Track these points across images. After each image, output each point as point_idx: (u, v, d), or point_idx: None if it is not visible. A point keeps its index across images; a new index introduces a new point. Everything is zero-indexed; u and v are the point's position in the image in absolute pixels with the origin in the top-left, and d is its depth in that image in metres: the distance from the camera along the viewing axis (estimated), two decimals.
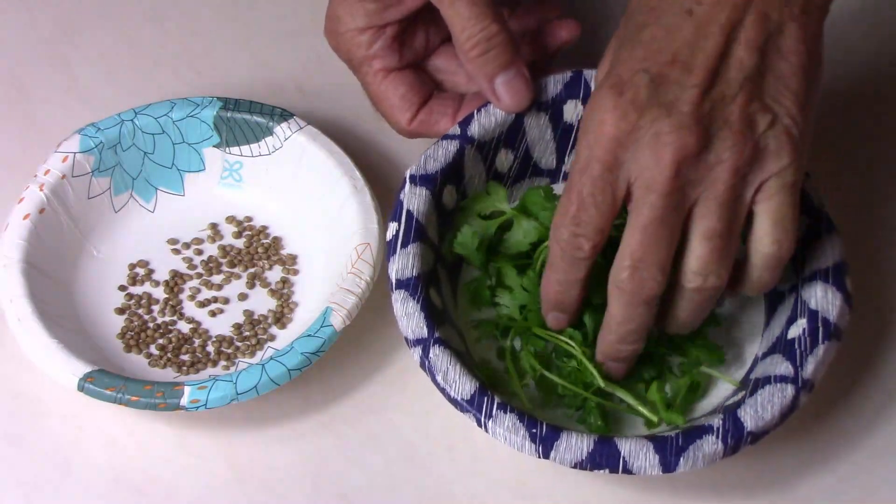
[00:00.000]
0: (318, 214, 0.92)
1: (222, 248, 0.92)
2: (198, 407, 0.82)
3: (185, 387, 0.83)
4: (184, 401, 0.82)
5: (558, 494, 0.85)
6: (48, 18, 1.03)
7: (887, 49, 1.03)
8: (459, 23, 0.87)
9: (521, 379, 0.85)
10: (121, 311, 0.90)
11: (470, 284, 0.88)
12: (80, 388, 0.83)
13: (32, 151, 0.95)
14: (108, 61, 1.02)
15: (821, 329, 0.83)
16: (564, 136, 0.92)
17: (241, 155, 0.94)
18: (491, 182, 0.90)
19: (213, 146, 0.94)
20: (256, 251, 0.92)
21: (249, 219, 0.94)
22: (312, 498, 0.85)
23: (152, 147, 0.93)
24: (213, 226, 0.93)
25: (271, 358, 0.84)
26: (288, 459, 0.86)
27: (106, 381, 0.83)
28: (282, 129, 0.93)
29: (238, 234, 0.93)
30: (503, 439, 0.80)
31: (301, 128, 0.93)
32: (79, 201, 0.91)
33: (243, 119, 0.93)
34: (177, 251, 0.92)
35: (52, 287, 0.88)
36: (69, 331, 0.86)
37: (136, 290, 0.91)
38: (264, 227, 0.93)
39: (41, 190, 0.90)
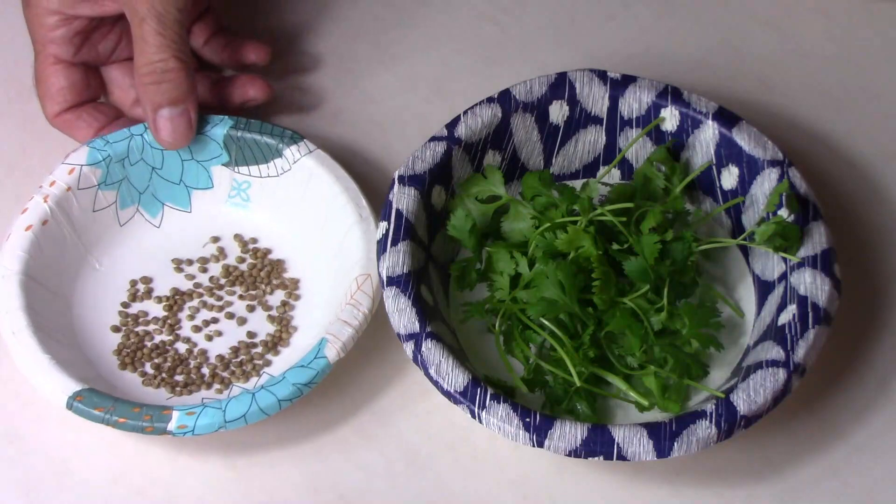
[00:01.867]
0: (322, 240, 0.91)
1: (226, 268, 0.92)
2: (185, 433, 0.82)
3: (174, 411, 0.82)
4: (171, 426, 0.82)
5: (558, 494, 0.85)
6: None
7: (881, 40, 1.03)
8: (141, 46, 0.88)
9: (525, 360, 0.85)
10: (117, 328, 0.89)
11: (459, 264, 0.88)
12: (69, 407, 0.83)
13: (32, 152, 0.96)
14: None
15: (811, 314, 0.83)
16: (551, 136, 0.91)
17: (250, 175, 0.93)
18: (488, 165, 0.90)
19: (222, 164, 0.93)
20: (259, 274, 0.91)
21: (255, 240, 0.93)
22: (312, 498, 0.85)
23: (160, 162, 0.93)
24: (218, 243, 0.93)
25: (262, 387, 0.83)
26: (288, 460, 0.86)
27: (95, 400, 0.83)
28: (291, 152, 0.92)
29: (242, 255, 0.92)
30: (497, 429, 0.80)
31: (311, 151, 0.92)
32: (83, 214, 0.91)
33: (253, 139, 0.92)
34: (180, 269, 0.92)
35: (50, 300, 0.88)
36: (64, 345, 0.86)
37: (136, 306, 0.90)
38: (269, 250, 0.92)
39: (45, 201, 0.89)
